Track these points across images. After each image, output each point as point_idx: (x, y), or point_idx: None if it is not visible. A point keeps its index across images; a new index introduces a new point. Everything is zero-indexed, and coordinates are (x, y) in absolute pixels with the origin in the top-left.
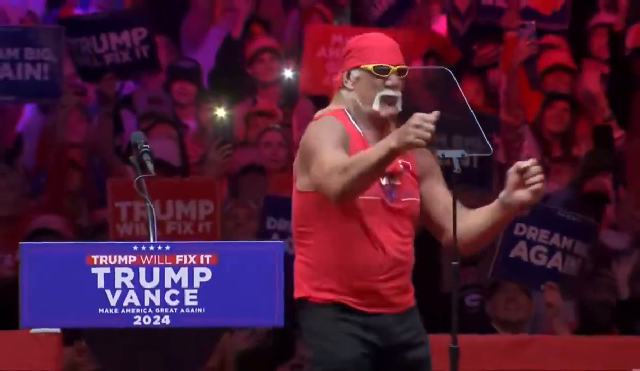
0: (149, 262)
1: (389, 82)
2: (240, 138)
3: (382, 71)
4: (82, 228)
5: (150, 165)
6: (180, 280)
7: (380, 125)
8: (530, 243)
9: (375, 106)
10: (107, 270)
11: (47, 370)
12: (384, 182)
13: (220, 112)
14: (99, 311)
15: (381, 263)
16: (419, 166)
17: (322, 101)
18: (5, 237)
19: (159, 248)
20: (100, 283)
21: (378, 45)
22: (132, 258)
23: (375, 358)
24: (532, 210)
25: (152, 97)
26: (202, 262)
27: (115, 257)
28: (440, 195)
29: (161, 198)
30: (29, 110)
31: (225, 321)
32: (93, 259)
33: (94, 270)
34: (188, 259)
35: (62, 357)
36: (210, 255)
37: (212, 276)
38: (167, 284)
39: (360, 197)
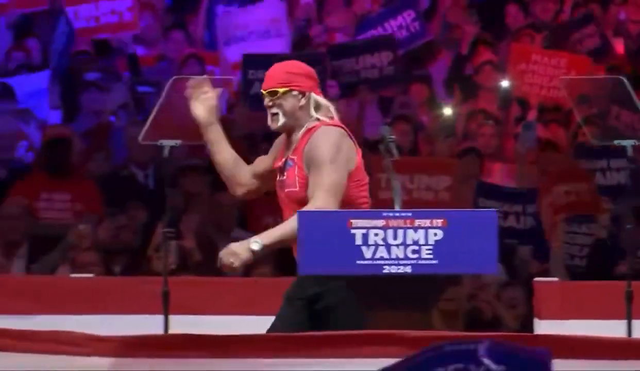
0: (395, 225)
1: (264, 103)
2: (462, 130)
3: (262, 95)
4: None
5: (395, 151)
6: (418, 239)
7: (286, 134)
8: None
9: (268, 121)
10: (364, 231)
11: None
12: (278, 177)
13: (447, 110)
14: (357, 263)
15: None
16: (304, 161)
17: (522, 103)
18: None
19: (402, 214)
20: (358, 241)
21: (265, 74)
22: (382, 222)
23: (302, 308)
24: None
25: (403, 102)
26: (435, 224)
27: (369, 221)
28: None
29: (411, 172)
30: None
31: (453, 270)
32: (352, 223)
33: (353, 231)
34: (424, 223)
35: None
36: (441, 220)
37: (443, 236)
38: (409, 241)
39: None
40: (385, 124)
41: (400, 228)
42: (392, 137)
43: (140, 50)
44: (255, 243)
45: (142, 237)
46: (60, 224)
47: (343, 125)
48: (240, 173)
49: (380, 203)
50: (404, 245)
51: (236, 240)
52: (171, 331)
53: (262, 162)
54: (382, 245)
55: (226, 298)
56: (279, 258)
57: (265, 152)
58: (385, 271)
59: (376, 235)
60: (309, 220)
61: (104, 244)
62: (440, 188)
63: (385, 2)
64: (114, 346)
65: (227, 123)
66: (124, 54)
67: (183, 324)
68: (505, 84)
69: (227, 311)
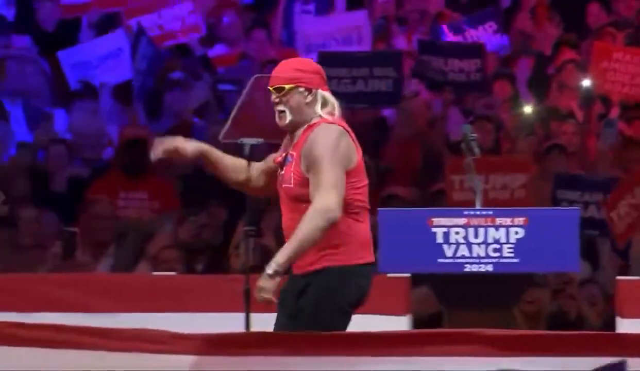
0: (475, 223)
1: (272, 100)
2: (541, 128)
3: (270, 92)
4: (423, 195)
5: (476, 149)
6: (499, 237)
7: (291, 130)
8: None
9: (276, 118)
10: (444, 229)
11: (398, 309)
12: (279, 172)
13: (528, 109)
14: (438, 261)
15: (285, 235)
16: (302, 158)
17: (605, 101)
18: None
19: (483, 213)
20: (439, 239)
21: (272, 72)
22: (463, 221)
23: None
24: None
25: (485, 102)
26: (516, 223)
27: (450, 219)
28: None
29: (486, 172)
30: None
31: (534, 268)
32: (433, 221)
33: (434, 230)
34: (506, 221)
35: (410, 297)
36: (522, 218)
37: (524, 234)
38: (490, 240)
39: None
40: (467, 123)
41: (482, 226)
42: (474, 135)
43: (221, 49)
44: (270, 267)
45: (223, 235)
46: (142, 222)
47: (344, 124)
48: (254, 176)
49: (455, 205)
50: (485, 243)
51: None
52: (252, 329)
53: (270, 160)
54: (463, 244)
55: None
56: None
57: None
58: (466, 269)
59: (457, 233)
60: (389, 219)
61: (186, 242)
62: (515, 186)
63: (466, 9)
64: (196, 344)
65: None
66: (199, 55)
67: (264, 322)
68: (587, 82)
69: None
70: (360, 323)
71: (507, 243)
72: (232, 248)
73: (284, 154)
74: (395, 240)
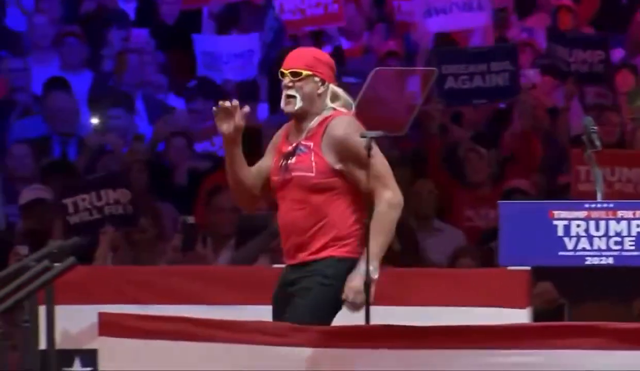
0: (596, 216)
1: (283, 83)
2: None
3: (281, 74)
4: (545, 187)
5: (597, 142)
6: (621, 230)
7: (295, 120)
8: None
9: (282, 104)
10: (565, 222)
11: (519, 302)
12: (281, 162)
13: None
14: (559, 254)
15: (282, 226)
16: (329, 147)
17: None
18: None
19: (605, 205)
20: (560, 232)
21: (287, 55)
22: (584, 213)
23: (280, 295)
24: None
25: (598, 92)
26: (637, 216)
27: (571, 212)
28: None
29: (611, 164)
30: None
31: None
32: (554, 214)
33: (554, 222)
34: (627, 214)
35: (531, 291)
36: None
37: None
38: (611, 233)
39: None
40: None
41: (603, 219)
42: (595, 128)
43: (345, 43)
44: (372, 273)
45: None
46: (262, 215)
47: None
48: (255, 182)
49: (580, 196)
50: (607, 236)
51: (438, 230)
52: (372, 322)
53: (264, 163)
54: (584, 237)
55: (426, 289)
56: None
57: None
58: (587, 262)
59: (578, 226)
60: (509, 212)
61: None
62: (639, 180)
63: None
64: (315, 337)
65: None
66: (331, 45)
67: (383, 315)
68: None
69: (427, 303)
70: (481, 315)
71: (629, 236)
72: None
73: (293, 145)
74: (515, 233)
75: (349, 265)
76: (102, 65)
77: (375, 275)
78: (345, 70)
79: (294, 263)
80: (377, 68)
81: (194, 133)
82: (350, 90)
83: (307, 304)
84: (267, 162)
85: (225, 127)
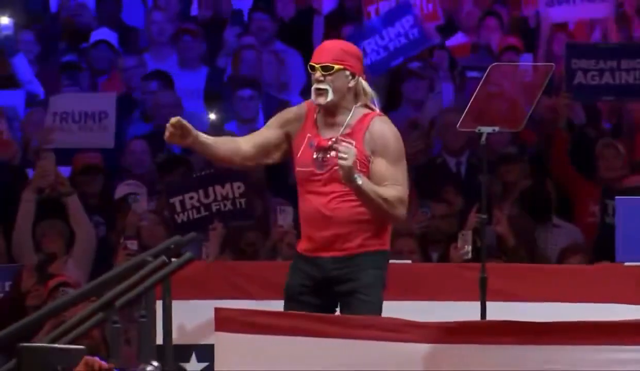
0: None
1: (314, 77)
2: None
3: (311, 68)
4: None
5: None
6: None
7: (325, 113)
8: None
9: (312, 96)
10: None
11: (636, 298)
12: (315, 155)
13: None
14: None
15: (318, 217)
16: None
17: None
18: None
19: None
20: None
21: (317, 48)
22: None
23: (314, 287)
24: None
25: None
26: None
27: None
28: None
29: None
30: None
31: None
32: None
33: None
34: None
35: None
36: None
37: None
38: None
39: (297, 169)
40: None
41: None
42: None
43: (461, 38)
44: (359, 177)
45: (458, 224)
46: None
47: None
48: (242, 149)
49: None
50: None
51: (556, 227)
52: (488, 318)
53: (261, 135)
54: None
55: (542, 285)
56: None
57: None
58: None
59: None
60: (626, 208)
61: (421, 231)
62: None
63: None
64: (432, 332)
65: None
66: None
67: (500, 311)
68: None
69: (543, 299)
70: (598, 311)
71: None
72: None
73: (332, 139)
74: (632, 229)
75: (387, 257)
76: (217, 62)
77: (359, 181)
78: (465, 66)
79: (334, 255)
80: (494, 63)
81: None
82: (468, 86)
83: (375, 302)
84: (267, 134)
85: (178, 139)
